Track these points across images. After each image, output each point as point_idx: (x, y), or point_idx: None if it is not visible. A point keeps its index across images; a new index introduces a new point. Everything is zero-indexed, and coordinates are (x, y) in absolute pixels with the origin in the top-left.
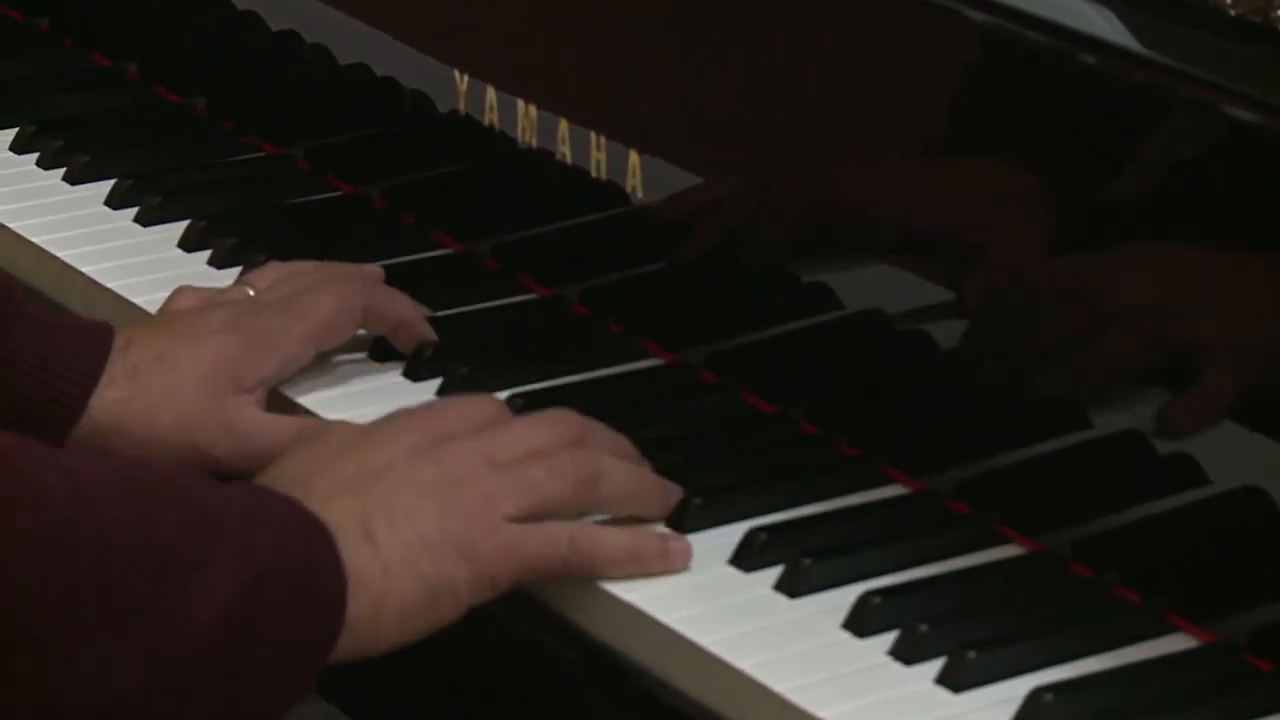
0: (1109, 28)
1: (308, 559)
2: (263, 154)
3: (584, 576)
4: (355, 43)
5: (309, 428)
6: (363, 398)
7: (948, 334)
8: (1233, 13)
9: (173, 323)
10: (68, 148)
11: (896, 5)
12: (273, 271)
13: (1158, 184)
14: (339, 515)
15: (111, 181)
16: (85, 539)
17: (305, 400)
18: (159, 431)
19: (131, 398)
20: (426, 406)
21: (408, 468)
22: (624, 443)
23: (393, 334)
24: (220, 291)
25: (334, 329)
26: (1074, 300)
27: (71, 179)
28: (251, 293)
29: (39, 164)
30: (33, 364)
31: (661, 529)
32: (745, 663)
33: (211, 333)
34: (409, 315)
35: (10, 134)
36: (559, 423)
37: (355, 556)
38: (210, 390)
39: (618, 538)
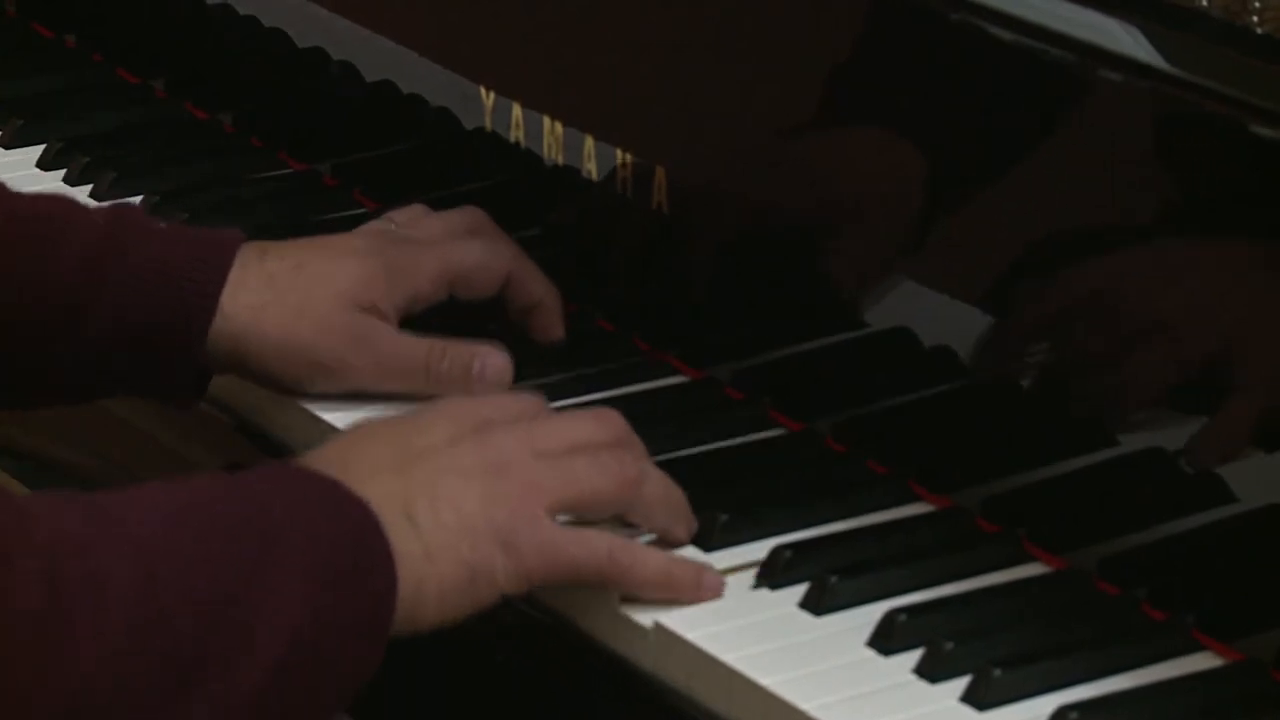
0: (1136, 46)
1: (362, 554)
2: (290, 170)
3: (616, 589)
4: (381, 60)
5: (438, 348)
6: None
7: (974, 351)
8: (1259, 30)
9: (309, 240)
10: (95, 164)
11: (922, 23)
12: (417, 209)
13: (1186, 202)
14: (378, 494)
15: (139, 198)
16: (156, 622)
17: (328, 416)
18: (299, 338)
19: (269, 304)
20: (468, 397)
21: (450, 451)
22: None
23: (523, 313)
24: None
25: (472, 281)
26: (1102, 317)
27: (98, 195)
28: (392, 226)
29: (66, 180)
30: (160, 273)
31: (690, 551)
32: (770, 680)
33: (350, 252)
34: (550, 300)
35: (38, 150)
36: (603, 420)
37: (397, 537)
38: (347, 305)
39: (656, 560)
